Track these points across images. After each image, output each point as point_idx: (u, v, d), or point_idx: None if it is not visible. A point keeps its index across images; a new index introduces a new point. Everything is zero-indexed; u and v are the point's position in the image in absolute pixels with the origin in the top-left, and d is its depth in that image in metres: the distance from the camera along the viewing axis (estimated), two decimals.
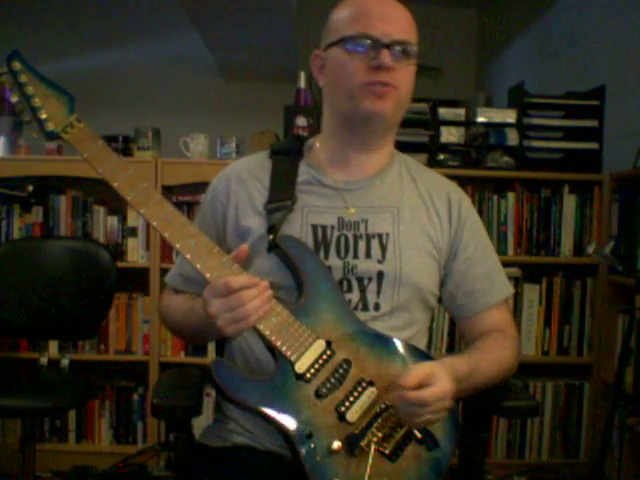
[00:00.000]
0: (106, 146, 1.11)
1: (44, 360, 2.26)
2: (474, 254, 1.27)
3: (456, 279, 1.27)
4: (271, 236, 1.17)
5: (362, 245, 1.20)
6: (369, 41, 1.14)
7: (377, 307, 1.19)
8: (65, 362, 2.26)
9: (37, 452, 2.19)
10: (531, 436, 2.66)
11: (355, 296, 1.18)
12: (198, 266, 1.07)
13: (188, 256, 1.07)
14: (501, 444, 2.65)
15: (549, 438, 2.66)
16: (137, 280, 2.58)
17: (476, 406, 1.30)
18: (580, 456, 2.66)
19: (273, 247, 1.17)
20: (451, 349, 2.60)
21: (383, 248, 1.20)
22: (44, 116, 1.09)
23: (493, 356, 1.20)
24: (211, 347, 2.54)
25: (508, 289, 1.31)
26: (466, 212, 1.28)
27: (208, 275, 1.06)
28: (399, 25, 1.17)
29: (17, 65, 1.10)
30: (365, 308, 1.18)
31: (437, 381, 1.02)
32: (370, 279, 1.19)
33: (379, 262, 1.19)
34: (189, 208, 2.58)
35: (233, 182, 1.27)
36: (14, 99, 1.10)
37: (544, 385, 2.66)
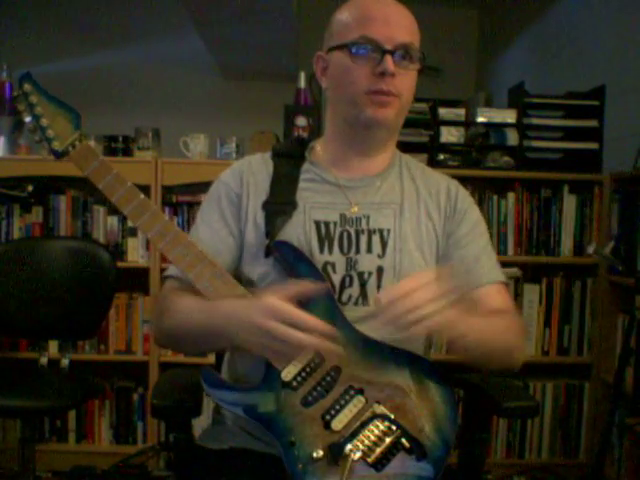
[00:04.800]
0: (105, 162, 1.16)
1: (44, 360, 2.27)
2: (464, 237, 1.26)
3: (444, 259, 1.26)
4: (267, 241, 1.17)
5: (364, 240, 1.20)
6: (372, 46, 1.14)
7: (377, 301, 1.18)
8: (65, 362, 2.26)
9: (37, 452, 2.19)
10: (531, 436, 2.66)
11: (355, 291, 1.18)
12: (191, 275, 1.12)
13: (181, 266, 1.13)
14: (501, 444, 2.65)
15: (549, 438, 2.66)
16: (137, 280, 2.58)
17: (476, 406, 1.30)
18: (580, 456, 2.66)
19: (270, 252, 1.17)
20: None
21: (384, 243, 1.20)
22: (51, 135, 1.15)
23: (498, 318, 1.18)
24: None
25: (497, 275, 1.26)
26: (461, 204, 1.28)
27: (199, 284, 1.11)
28: (402, 28, 1.16)
29: (28, 87, 1.16)
30: (365, 302, 1.18)
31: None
32: (370, 274, 1.19)
33: (379, 257, 1.19)
34: (189, 208, 2.58)
35: (245, 174, 1.26)
36: (27, 119, 1.17)
37: (544, 385, 2.66)
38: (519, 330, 1.23)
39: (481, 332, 1.12)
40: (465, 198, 1.30)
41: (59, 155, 1.16)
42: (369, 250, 1.20)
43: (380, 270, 1.19)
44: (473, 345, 1.12)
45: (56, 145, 1.15)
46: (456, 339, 1.10)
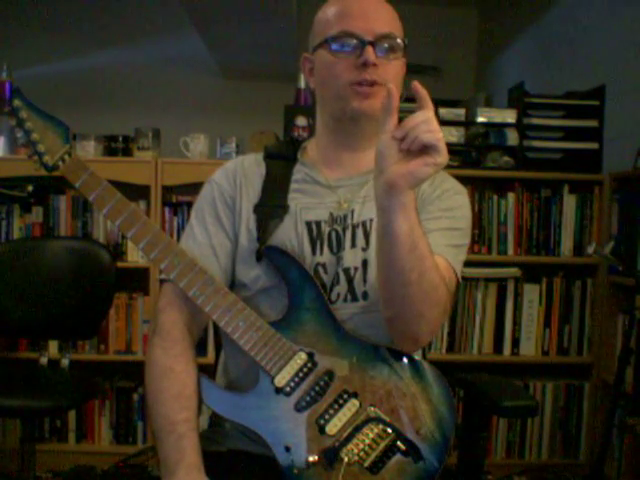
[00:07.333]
0: (95, 174, 1.18)
1: (44, 360, 2.27)
2: (428, 213, 1.18)
3: None
4: (258, 246, 1.17)
5: (348, 236, 1.18)
6: (352, 40, 1.14)
7: (365, 296, 1.16)
8: (65, 362, 2.26)
9: (37, 452, 2.20)
10: (531, 436, 2.66)
11: (343, 288, 1.16)
12: (182, 284, 1.12)
13: (172, 275, 1.13)
14: (501, 444, 2.65)
15: (549, 438, 2.65)
16: (137, 280, 2.58)
17: (476, 406, 1.30)
18: (580, 456, 2.66)
19: (261, 257, 1.17)
20: (451, 349, 2.60)
21: (367, 235, 1.18)
22: (42, 149, 1.17)
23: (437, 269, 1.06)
24: (211, 347, 2.54)
25: (445, 251, 1.15)
26: (440, 190, 1.22)
27: (191, 293, 1.12)
28: (380, 20, 1.16)
29: (18, 103, 1.18)
30: (354, 298, 1.16)
31: None
32: (356, 269, 1.17)
33: (363, 250, 1.17)
34: (189, 208, 2.58)
35: (238, 175, 1.25)
36: (18, 134, 1.19)
37: (544, 385, 2.66)
38: (442, 295, 1.06)
39: (416, 237, 1.01)
40: (450, 187, 1.24)
41: (50, 169, 1.18)
42: (353, 245, 1.18)
43: (365, 263, 1.17)
44: (396, 240, 1.00)
45: (47, 159, 1.17)
46: (390, 217, 1.00)
